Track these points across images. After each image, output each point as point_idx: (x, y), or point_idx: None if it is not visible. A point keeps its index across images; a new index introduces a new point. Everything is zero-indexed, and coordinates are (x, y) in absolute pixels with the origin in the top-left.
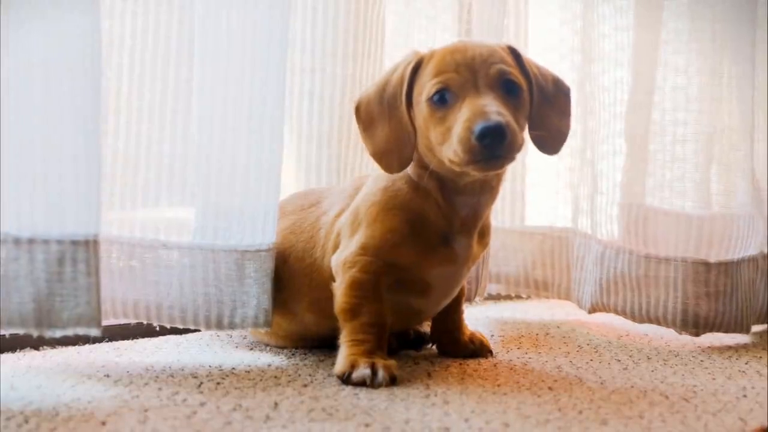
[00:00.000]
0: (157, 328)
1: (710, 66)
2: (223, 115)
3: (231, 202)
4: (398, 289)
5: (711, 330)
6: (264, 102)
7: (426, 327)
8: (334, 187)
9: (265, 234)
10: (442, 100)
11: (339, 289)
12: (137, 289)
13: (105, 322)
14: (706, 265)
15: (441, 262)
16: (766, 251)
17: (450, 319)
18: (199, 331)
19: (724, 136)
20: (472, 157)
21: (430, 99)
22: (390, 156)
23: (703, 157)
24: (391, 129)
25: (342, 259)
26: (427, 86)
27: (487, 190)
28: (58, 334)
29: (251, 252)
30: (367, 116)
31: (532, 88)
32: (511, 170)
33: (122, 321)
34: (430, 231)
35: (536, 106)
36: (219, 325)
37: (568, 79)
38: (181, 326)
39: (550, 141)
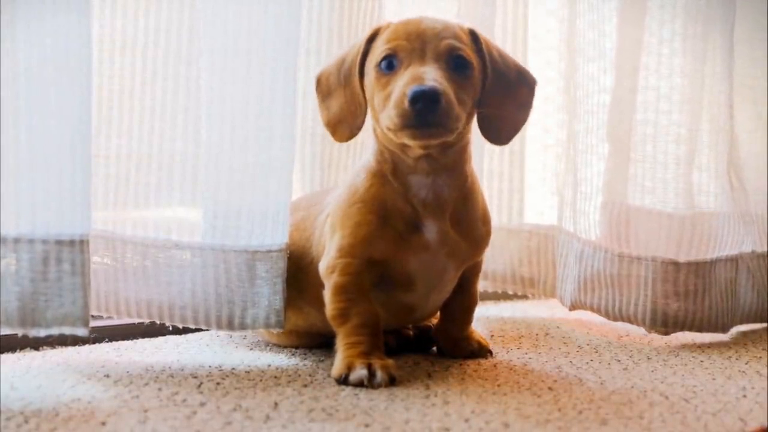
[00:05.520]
0: (164, 327)
1: (694, 66)
2: (232, 112)
3: (240, 201)
4: (384, 286)
5: (681, 329)
6: (273, 99)
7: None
8: (336, 187)
9: (275, 234)
10: (389, 66)
11: (327, 296)
12: (150, 289)
13: (106, 322)
14: (676, 264)
15: (414, 250)
16: (760, 250)
17: (453, 320)
18: (200, 330)
19: (706, 135)
20: (404, 121)
21: (378, 65)
22: (342, 125)
23: (684, 157)
24: (345, 99)
25: (325, 266)
26: (376, 53)
27: (443, 169)
28: (43, 333)
29: (261, 252)
30: (326, 87)
31: (486, 71)
32: (498, 167)
33: (135, 320)
34: (396, 218)
35: (490, 90)
36: (230, 326)
37: (564, 76)
38: (193, 326)
39: (500, 129)
